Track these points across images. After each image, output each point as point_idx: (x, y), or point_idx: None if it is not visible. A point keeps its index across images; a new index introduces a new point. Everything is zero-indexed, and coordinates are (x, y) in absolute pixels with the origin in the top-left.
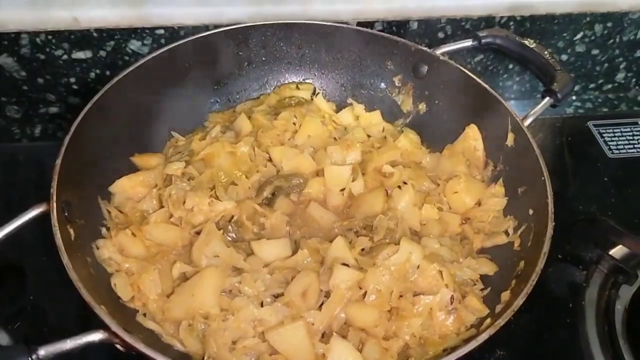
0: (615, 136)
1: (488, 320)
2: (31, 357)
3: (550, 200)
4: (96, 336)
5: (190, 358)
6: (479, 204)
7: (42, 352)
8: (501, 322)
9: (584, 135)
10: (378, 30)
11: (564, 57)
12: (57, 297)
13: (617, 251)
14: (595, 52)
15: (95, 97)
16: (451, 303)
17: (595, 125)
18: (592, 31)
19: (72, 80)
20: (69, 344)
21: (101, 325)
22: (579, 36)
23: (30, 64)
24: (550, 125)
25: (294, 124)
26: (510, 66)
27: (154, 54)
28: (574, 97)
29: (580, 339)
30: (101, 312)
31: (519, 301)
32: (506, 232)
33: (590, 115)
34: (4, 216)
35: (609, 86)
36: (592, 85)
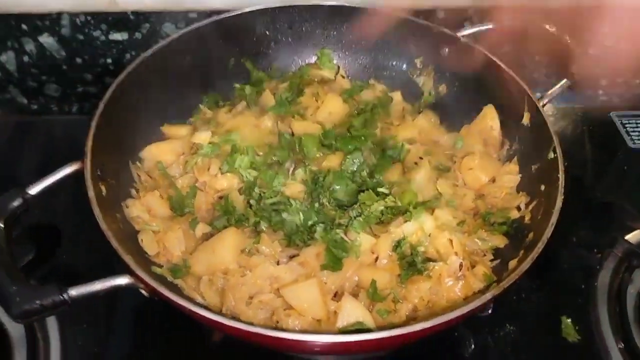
0: (638, 127)
1: (494, 285)
2: (62, 296)
3: (561, 175)
4: (123, 280)
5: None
6: (493, 180)
7: (72, 292)
8: (505, 284)
9: (606, 125)
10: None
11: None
12: (91, 254)
13: (634, 236)
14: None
15: (130, 68)
16: (460, 270)
17: (618, 116)
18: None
19: (109, 60)
20: (97, 285)
21: (129, 271)
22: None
23: (70, 44)
24: (573, 114)
25: (316, 100)
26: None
27: (185, 30)
28: (600, 92)
29: (591, 320)
30: (128, 258)
31: (524, 266)
32: (518, 208)
33: (613, 105)
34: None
35: (638, 81)
36: (619, 80)
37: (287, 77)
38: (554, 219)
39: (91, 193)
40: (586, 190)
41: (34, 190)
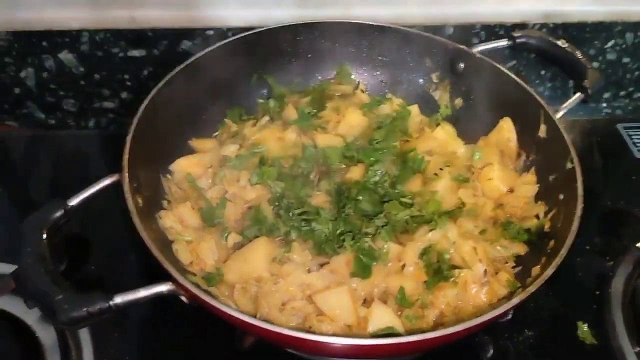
0: None
1: (519, 291)
2: (108, 303)
3: (579, 184)
4: (165, 287)
5: None
6: (511, 190)
7: (118, 299)
8: (532, 289)
9: (613, 137)
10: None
11: (595, 65)
12: (121, 266)
13: None
14: (626, 60)
15: (160, 84)
16: (484, 276)
17: (624, 128)
18: (623, 39)
19: (126, 77)
20: (141, 292)
21: (170, 278)
22: (610, 44)
23: (89, 60)
24: (581, 126)
25: (338, 114)
26: (543, 72)
27: (211, 48)
28: (604, 104)
29: (607, 325)
30: (169, 266)
31: (549, 271)
32: (537, 216)
33: (619, 118)
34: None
35: (639, 94)
36: (622, 93)
37: (309, 92)
38: (575, 225)
39: (131, 205)
40: (597, 199)
41: (74, 201)
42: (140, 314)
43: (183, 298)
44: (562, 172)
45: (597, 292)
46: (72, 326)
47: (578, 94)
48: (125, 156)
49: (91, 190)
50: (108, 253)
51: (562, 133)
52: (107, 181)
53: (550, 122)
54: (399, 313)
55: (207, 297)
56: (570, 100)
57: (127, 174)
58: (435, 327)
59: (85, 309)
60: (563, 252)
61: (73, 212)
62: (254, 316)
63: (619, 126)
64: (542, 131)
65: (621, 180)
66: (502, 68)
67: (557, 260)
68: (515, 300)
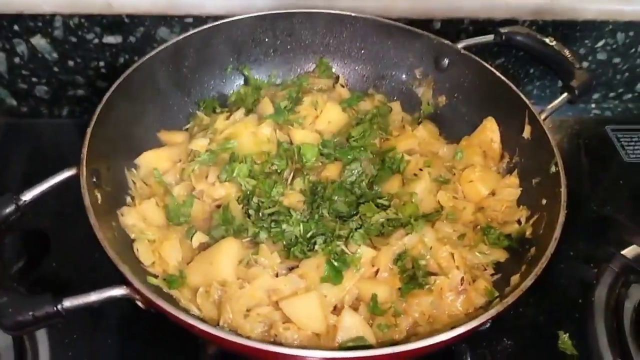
0: (632, 141)
1: (497, 300)
2: (56, 307)
3: (563, 189)
4: (119, 291)
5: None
6: (493, 193)
7: (67, 302)
8: (509, 300)
9: (602, 139)
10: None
11: (585, 64)
12: (80, 263)
13: (630, 251)
14: (616, 60)
15: (126, 72)
16: (461, 284)
17: (613, 130)
18: (614, 39)
19: (102, 64)
20: (92, 296)
21: (124, 282)
22: (600, 44)
23: (62, 46)
24: (569, 127)
25: (315, 109)
26: (531, 71)
27: (183, 35)
28: (593, 105)
29: (588, 335)
30: (124, 268)
31: (528, 282)
32: (518, 221)
33: (608, 119)
34: (30, 182)
35: (629, 96)
36: (612, 94)
37: (286, 85)
38: (557, 233)
39: (87, 201)
40: (582, 204)
41: (27, 196)
42: (99, 316)
43: (139, 303)
44: (546, 175)
45: (580, 301)
46: (17, 331)
47: (565, 95)
48: (84, 149)
49: (46, 184)
50: (70, 250)
51: (547, 135)
52: (64, 175)
53: (536, 123)
54: (371, 321)
55: (163, 302)
56: (556, 102)
57: (85, 168)
58: (408, 337)
59: (31, 313)
60: (543, 261)
61: (26, 207)
62: (217, 322)
63: (608, 128)
64: (527, 132)
65: (608, 185)
66: (488, 66)
67: (537, 270)
68: (492, 312)
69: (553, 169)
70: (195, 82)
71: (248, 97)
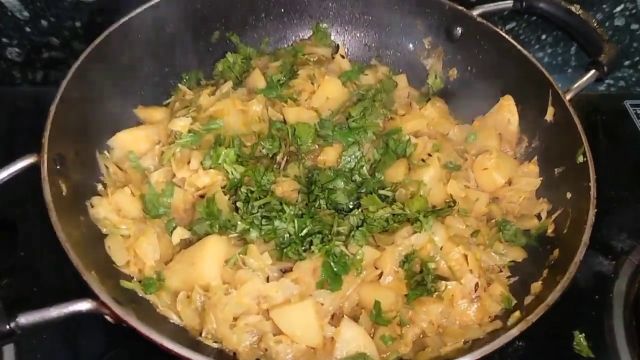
0: None
1: (517, 314)
2: (9, 325)
3: (592, 184)
4: (83, 305)
5: (187, 333)
6: (509, 183)
7: (22, 319)
8: (533, 318)
9: (619, 114)
10: None
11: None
12: (49, 253)
13: None
14: (634, 26)
15: (98, 40)
16: (475, 290)
17: (632, 105)
18: (634, 4)
19: (78, 24)
20: (52, 312)
21: (90, 294)
22: (619, 8)
23: (34, 3)
24: (585, 102)
25: (312, 83)
26: (543, 37)
27: None
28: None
29: (605, 333)
30: (90, 279)
31: (555, 295)
32: (538, 216)
33: (626, 93)
34: None
35: None
36: (627, 62)
37: (280, 55)
38: (586, 237)
39: (47, 196)
40: (599, 187)
41: None
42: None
43: (108, 318)
44: (571, 165)
45: (597, 297)
46: None
47: (593, 72)
48: (46, 132)
49: (5, 172)
50: (37, 241)
51: (573, 119)
52: (23, 163)
53: (560, 104)
54: (372, 331)
55: (136, 321)
56: (583, 79)
57: (46, 155)
58: (415, 350)
59: None
60: (571, 270)
61: None
62: (200, 332)
63: (627, 103)
64: (550, 114)
65: (627, 165)
66: (506, 36)
67: (564, 282)
68: (513, 332)
69: (580, 158)
70: (177, 50)
71: (236, 67)
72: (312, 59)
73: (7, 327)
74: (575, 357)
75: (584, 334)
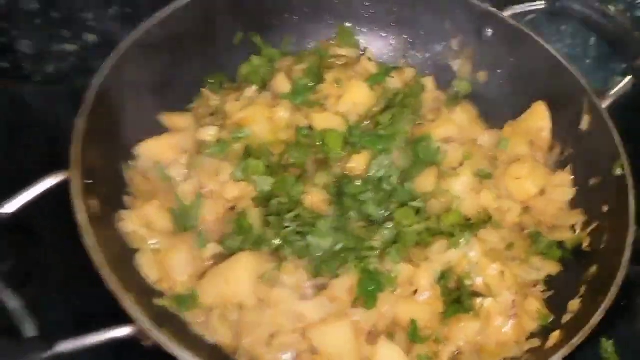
0: None
1: (556, 333)
2: (47, 353)
3: (631, 199)
4: (123, 331)
5: (221, 351)
6: (542, 192)
7: (60, 347)
8: (576, 342)
9: None
10: None
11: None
12: (80, 276)
13: None
14: None
15: (122, 48)
16: (512, 307)
17: None
18: None
19: (90, 16)
20: (91, 339)
21: (128, 319)
22: None
23: None
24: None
25: (339, 87)
26: (563, 27)
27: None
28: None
29: (632, 342)
30: (129, 304)
31: (597, 318)
32: (572, 228)
33: None
34: (17, 181)
35: None
36: None
37: (304, 57)
38: (627, 256)
39: (82, 216)
40: None
41: (9, 208)
42: None
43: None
44: (607, 177)
45: (624, 303)
46: None
47: (629, 78)
48: (76, 149)
49: (30, 194)
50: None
51: (609, 128)
52: (51, 182)
53: (596, 113)
54: (409, 350)
55: (176, 348)
56: (620, 86)
57: (77, 173)
58: None
59: None
60: (614, 291)
61: (10, 219)
62: (236, 350)
63: None
64: (585, 123)
65: None
66: (539, 39)
67: (606, 303)
68: (557, 357)
69: (618, 170)
70: (199, 54)
71: (261, 70)
72: (338, 63)
73: (45, 355)
74: None
75: (611, 341)
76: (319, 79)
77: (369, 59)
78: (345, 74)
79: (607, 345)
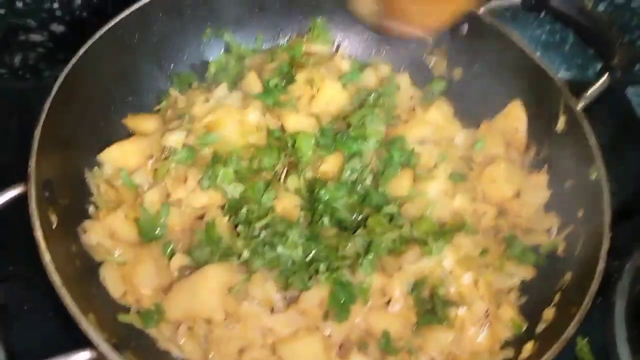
0: None
1: (529, 345)
2: None
3: (606, 206)
4: (83, 356)
5: None
6: (517, 195)
7: None
8: (550, 356)
9: (622, 104)
10: None
11: (601, 7)
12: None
13: None
14: (635, 4)
15: (84, 47)
16: (486, 317)
17: (636, 95)
18: None
19: (56, 5)
20: None
21: (89, 343)
22: None
23: None
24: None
25: (311, 87)
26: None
27: None
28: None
29: (607, 337)
30: (88, 327)
31: (571, 330)
32: (548, 232)
33: (629, 80)
34: None
35: None
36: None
37: (275, 54)
38: (601, 265)
39: (38, 233)
40: None
41: None
42: None
43: None
44: (583, 180)
45: (599, 300)
46: None
47: (605, 77)
48: (32, 162)
49: None
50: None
51: (586, 131)
52: (10, 194)
53: (572, 114)
54: None
55: None
56: (596, 86)
57: (33, 186)
58: None
59: None
60: (587, 301)
61: None
62: None
63: (629, 91)
64: (561, 124)
65: (630, 162)
66: (515, 37)
67: (580, 315)
68: None
69: (593, 174)
70: (166, 50)
71: (230, 69)
72: (310, 62)
73: None
74: None
75: (586, 339)
76: (290, 79)
77: (342, 57)
78: (317, 73)
79: (582, 344)
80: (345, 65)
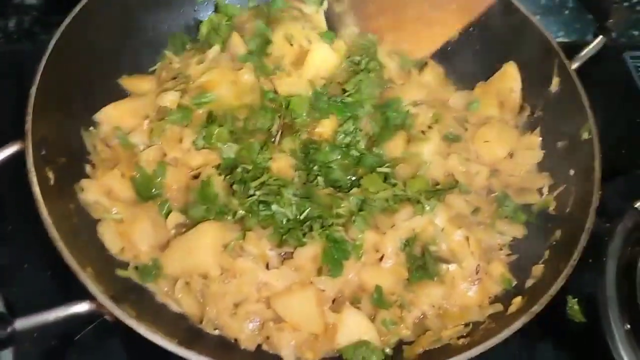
0: None
1: (518, 299)
2: (7, 330)
3: (597, 164)
4: (82, 307)
5: (188, 320)
6: (510, 155)
7: (20, 324)
8: (537, 308)
9: (619, 69)
10: None
11: None
12: (40, 250)
13: None
14: None
15: (76, 9)
16: (476, 273)
17: (632, 58)
18: None
19: None
20: (50, 315)
21: (88, 294)
22: None
23: None
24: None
25: (291, 44)
26: None
27: None
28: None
29: (598, 300)
30: (87, 279)
31: (558, 285)
32: (540, 191)
33: (626, 44)
34: None
35: None
36: (625, 4)
37: (260, 12)
38: (590, 222)
39: (36, 189)
40: None
41: None
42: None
43: (108, 317)
44: (575, 141)
45: (590, 261)
46: None
47: (600, 38)
48: (28, 119)
49: None
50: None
51: (579, 91)
52: (7, 151)
53: (566, 75)
54: (374, 315)
55: (137, 324)
56: (590, 47)
57: (30, 144)
58: (415, 334)
59: None
60: (575, 257)
61: None
62: (201, 319)
63: (627, 56)
64: (555, 84)
65: (624, 125)
66: None
67: (567, 270)
68: (517, 325)
69: (585, 134)
70: (160, 11)
71: (221, 29)
72: (285, 17)
73: (6, 331)
74: (568, 322)
75: (577, 299)
76: (268, 41)
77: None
78: (294, 28)
79: (573, 303)
80: (323, 22)
